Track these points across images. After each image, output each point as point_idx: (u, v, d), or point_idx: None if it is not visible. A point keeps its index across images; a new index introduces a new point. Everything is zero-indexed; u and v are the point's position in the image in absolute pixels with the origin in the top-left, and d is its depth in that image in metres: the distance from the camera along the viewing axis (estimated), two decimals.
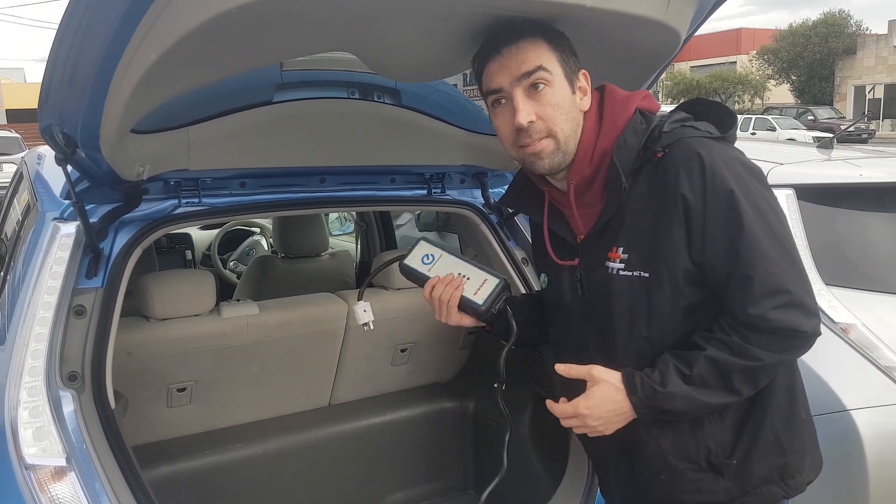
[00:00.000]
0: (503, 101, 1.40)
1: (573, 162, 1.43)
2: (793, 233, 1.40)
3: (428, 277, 1.61)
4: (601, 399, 1.38)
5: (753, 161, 1.42)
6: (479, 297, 1.55)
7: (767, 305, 1.29)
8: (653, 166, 1.37)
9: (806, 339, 1.34)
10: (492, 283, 1.56)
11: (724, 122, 1.44)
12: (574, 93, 1.41)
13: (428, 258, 1.64)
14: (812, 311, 1.33)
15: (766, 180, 1.41)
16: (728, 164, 1.34)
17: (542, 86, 1.36)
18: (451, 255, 1.64)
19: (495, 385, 1.63)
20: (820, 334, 1.36)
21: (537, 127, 1.37)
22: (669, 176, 1.34)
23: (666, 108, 1.57)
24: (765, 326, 1.30)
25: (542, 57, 1.36)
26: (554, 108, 1.37)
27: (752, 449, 1.41)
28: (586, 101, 1.43)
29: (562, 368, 1.44)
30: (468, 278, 1.57)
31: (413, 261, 1.66)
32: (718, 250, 1.32)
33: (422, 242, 1.68)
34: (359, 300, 1.98)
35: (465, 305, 1.56)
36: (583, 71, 1.43)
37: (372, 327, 1.87)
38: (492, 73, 1.39)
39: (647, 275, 1.38)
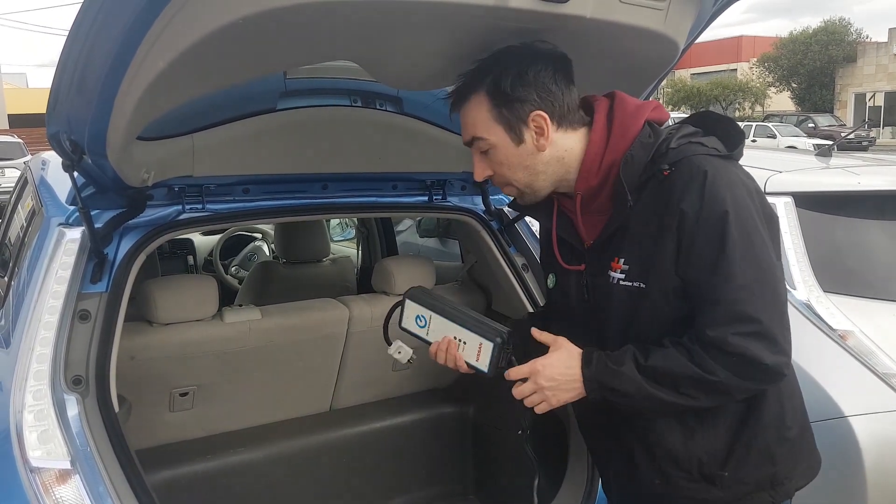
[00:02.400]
0: None
1: (579, 174, 1.45)
2: (791, 244, 1.42)
3: (429, 342, 1.59)
4: (557, 360, 1.44)
5: (754, 169, 1.43)
6: (482, 364, 1.51)
7: (728, 330, 1.29)
8: (658, 182, 1.38)
9: (767, 371, 1.32)
10: (488, 347, 1.50)
11: (732, 138, 1.43)
12: (522, 143, 1.42)
13: (420, 320, 1.59)
14: (779, 347, 1.31)
15: (768, 205, 1.40)
16: (730, 186, 1.34)
17: (486, 149, 1.45)
18: (441, 317, 1.57)
19: (520, 432, 1.62)
20: (785, 374, 1.35)
21: (496, 179, 1.50)
22: (674, 191, 1.35)
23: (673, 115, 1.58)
24: (723, 349, 1.30)
25: (479, 124, 1.43)
26: (500, 166, 1.46)
27: (744, 460, 1.43)
28: (544, 141, 1.42)
29: (535, 332, 1.51)
30: (465, 342, 1.53)
31: (408, 323, 1.62)
32: (700, 268, 1.33)
33: (408, 302, 1.62)
34: (389, 344, 1.76)
35: (472, 368, 1.53)
36: (536, 112, 1.39)
37: (416, 357, 1.76)
38: None
39: (643, 286, 1.40)
